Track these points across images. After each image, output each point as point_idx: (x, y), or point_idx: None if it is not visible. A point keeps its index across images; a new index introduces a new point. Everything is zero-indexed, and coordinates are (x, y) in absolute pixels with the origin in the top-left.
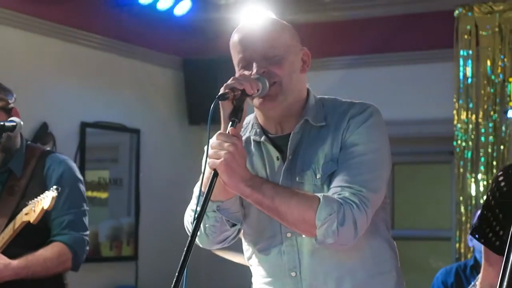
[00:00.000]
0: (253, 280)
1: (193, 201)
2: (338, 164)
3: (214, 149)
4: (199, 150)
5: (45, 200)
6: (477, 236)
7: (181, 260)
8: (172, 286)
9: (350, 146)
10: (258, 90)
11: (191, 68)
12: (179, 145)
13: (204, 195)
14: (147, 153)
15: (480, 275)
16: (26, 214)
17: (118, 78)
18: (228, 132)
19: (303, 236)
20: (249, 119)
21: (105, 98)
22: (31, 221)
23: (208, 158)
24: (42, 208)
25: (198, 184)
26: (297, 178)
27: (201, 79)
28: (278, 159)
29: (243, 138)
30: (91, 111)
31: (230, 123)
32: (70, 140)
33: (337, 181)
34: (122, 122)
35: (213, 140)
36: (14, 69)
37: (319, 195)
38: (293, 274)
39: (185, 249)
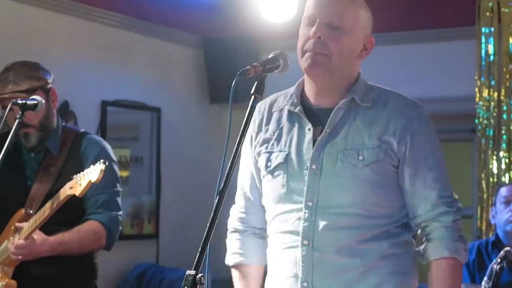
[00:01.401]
0: (267, 251)
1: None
2: (421, 170)
3: None
4: (219, 128)
5: (93, 173)
6: None
7: (204, 237)
8: (195, 263)
9: (426, 155)
10: (278, 67)
11: (211, 46)
12: (200, 124)
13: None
14: (168, 132)
15: None
16: (71, 188)
17: (139, 56)
18: None
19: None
20: (290, 90)
21: (126, 77)
22: (77, 194)
23: None
24: (90, 181)
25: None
26: (337, 154)
27: (222, 58)
28: (309, 130)
29: (280, 106)
30: (111, 90)
31: (252, 98)
32: (91, 118)
33: (430, 190)
34: (142, 100)
35: None
36: (34, 48)
37: (447, 252)
38: (305, 284)
39: (207, 225)
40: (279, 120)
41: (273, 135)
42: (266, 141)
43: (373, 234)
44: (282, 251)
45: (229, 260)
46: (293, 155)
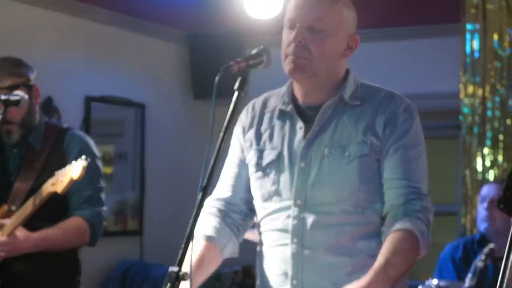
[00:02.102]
0: (258, 248)
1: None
2: (397, 162)
3: None
4: (204, 124)
5: (75, 169)
6: (502, 206)
7: (187, 233)
8: (178, 259)
9: (405, 147)
10: (262, 62)
11: (196, 42)
12: (184, 120)
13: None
14: (152, 128)
15: None
16: (53, 184)
17: (123, 52)
18: None
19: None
20: (282, 90)
21: (110, 72)
22: (59, 191)
23: None
24: (71, 178)
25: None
26: (324, 151)
27: (207, 53)
28: (301, 129)
29: (272, 106)
30: (96, 85)
31: (236, 94)
32: (75, 114)
33: (401, 180)
34: (127, 96)
35: None
36: (19, 43)
37: (412, 230)
38: (294, 282)
39: (190, 222)
40: (271, 119)
41: (265, 132)
42: (257, 138)
43: (362, 232)
44: (272, 249)
45: (204, 229)
46: (285, 152)
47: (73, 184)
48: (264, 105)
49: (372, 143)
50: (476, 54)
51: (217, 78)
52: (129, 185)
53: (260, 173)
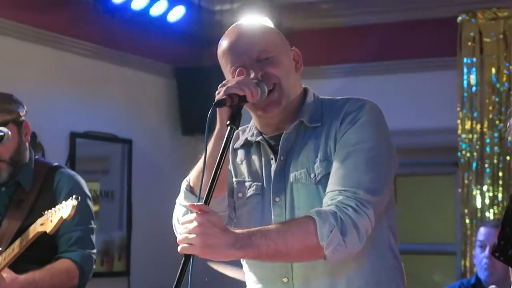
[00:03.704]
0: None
1: (181, 195)
2: (333, 165)
3: (182, 234)
4: (192, 161)
5: (65, 209)
6: (497, 254)
7: (177, 276)
8: None
9: (345, 146)
10: (257, 98)
11: (184, 76)
12: (172, 156)
13: None
14: (140, 164)
15: None
16: (42, 224)
17: (109, 86)
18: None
19: None
20: (248, 126)
21: (96, 108)
22: (48, 231)
23: (179, 244)
24: (61, 218)
25: (187, 178)
26: (290, 179)
27: (195, 87)
28: (272, 160)
29: (242, 140)
30: (81, 121)
31: (228, 129)
32: (59, 150)
33: (332, 185)
34: (113, 132)
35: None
36: (1, 77)
37: (312, 214)
38: (284, 280)
39: (181, 262)
40: (247, 150)
41: (242, 163)
42: (234, 170)
43: None
44: (261, 285)
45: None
46: (266, 185)
47: (63, 225)
48: (235, 139)
49: (332, 156)
50: (474, 89)
51: (209, 113)
52: (115, 224)
53: (241, 206)
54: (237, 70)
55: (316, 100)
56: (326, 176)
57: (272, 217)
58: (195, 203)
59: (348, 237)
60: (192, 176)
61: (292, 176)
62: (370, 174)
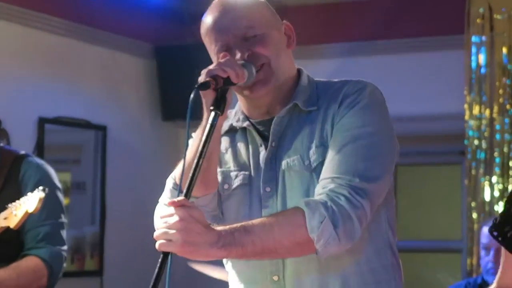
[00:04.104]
0: None
1: (167, 194)
2: (328, 150)
3: (160, 229)
4: (173, 149)
5: (30, 202)
6: (495, 234)
7: (154, 276)
8: None
9: (342, 131)
10: (243, 78)
11: (165, 56)
12: (151, 144)
13: None
14: (115, 153)
15: (496, 277)
16: (5, 218)
17: (82, 67)
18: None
19: None
20: (233, 110)
21: (67, 90)
22: (12, 226)
23: (156, 239)
24: (26, 211)
25: (172, 175)
26: (282, 166)
27: (177, 68)
28: (261, 146)
29: (227, 126)
30: (50, 105)
31: (212, 115)
32: (27, 138)
33: (326, 172)
34: (86, 117)
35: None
36: None
37: (301, 204)
38: (275, 278)
39: (159, 261)
40: (232, 137)
41: (227, 152)
42: (220, 159)
43: None
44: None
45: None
46: (254, 175)
47: (29, 219)
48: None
49: (329, 141)
50: (483, 70)
51: (192, 97)
52: (87, 219)
53: (227, 198)
54: (221, 55)
55: (311, 82)
56: (322, 163)
57: (262, 209)
58: (175, 199)
59: (340, 229)
60: (177, 173)
61: (284, 163)
62: (368, 161)
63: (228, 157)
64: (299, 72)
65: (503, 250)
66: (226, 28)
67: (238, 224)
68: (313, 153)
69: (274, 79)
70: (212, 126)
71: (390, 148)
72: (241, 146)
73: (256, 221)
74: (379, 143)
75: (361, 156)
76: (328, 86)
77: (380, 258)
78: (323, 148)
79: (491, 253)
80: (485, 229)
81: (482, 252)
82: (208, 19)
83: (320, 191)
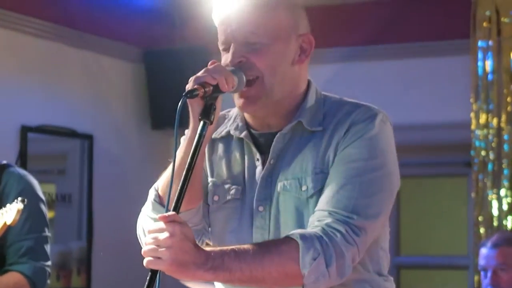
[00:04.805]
0: None
1: (149, 205)
2: (329, 180)
3: (149, 245)
4: (163, 160)
5: (8, 214)
6: None
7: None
8: None
9: (346, 161)
10: (233, 87)
11: (154, 60)
12: (140, 154)
13: None
14: (102, 163)
15: None
16: None
17: (67, 73)
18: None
19: None
20: (234, 111)
21: (51, 97)
22: None
23: (144, 256)
24: (5, 224)
25: (155, 185)
26: (278, 188)
27: (166, 74)
28: (258, 161)
29: (224, 131)
30: (33, 113)
31: (201, 124)
32: (8, 147)
33: (324, 203)
34: (71, 126)
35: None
36: None
37: (295, 236)
38: None
39: (147, 279)
40: (227, 146)
41: (220, 161)
42: (211, 168)
43: None
44: None
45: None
46: (248, 190)
47: (12, 233)
48: (218, 123)
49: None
50: (490, 76)
51: (180, 105)
52: (73, 233)
53: (216, 210)
54: (210, 62)
55: (319, 98)
56: (320, 191)
57: (253, 228)
58: (166, 214)
59: (332, 268)
60: (161, 184)
61: (280, 185)
62: (369, 198)
63: (222, 166)
64: (308, 85)
65: None
66: (231, 24)
67: (229, 248)
68: (311, 180)
69: (266, 96)
70: (201, 136)
71: (392, 184)
72: (236, 156)
73: (247, 246)
74: (382, 179)
75: (362, 193)
76: (336, 106)
77: (372, 284)
78: (323, 175)
79: (488, 275)
80: (482, 250)
81: (482, 274)
82: (221, 6)
83: (316, 223)
